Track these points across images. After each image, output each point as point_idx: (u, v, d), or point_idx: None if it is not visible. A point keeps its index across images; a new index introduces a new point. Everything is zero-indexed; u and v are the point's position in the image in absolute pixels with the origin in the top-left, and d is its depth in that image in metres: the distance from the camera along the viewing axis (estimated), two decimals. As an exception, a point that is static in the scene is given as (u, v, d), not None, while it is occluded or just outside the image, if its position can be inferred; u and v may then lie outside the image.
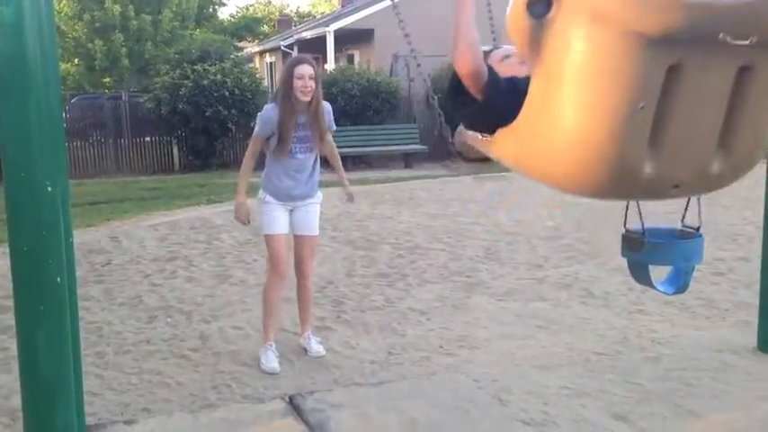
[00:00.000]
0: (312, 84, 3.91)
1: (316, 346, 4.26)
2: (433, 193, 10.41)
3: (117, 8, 22.50)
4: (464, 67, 2.06)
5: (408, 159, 14.31)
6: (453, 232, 7.56)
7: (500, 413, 3.39)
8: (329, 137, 4.19)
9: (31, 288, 1.99)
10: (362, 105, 14.40)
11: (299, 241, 4.20)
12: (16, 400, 3.59)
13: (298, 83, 3.89)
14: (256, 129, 4.06)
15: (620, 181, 1.88)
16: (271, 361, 4.05)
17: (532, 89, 1.86)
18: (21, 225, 1.99)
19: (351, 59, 20.78)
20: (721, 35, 1.69)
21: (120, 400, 3.65)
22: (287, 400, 3.56)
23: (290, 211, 4.13)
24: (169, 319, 4.91)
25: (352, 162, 13.75)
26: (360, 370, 4.03)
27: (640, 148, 1.81)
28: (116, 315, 5.01)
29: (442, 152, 15.53)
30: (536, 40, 1.79)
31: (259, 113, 4.14)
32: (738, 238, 6.77)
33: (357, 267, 6.23)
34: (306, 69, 3.91)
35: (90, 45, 22.77)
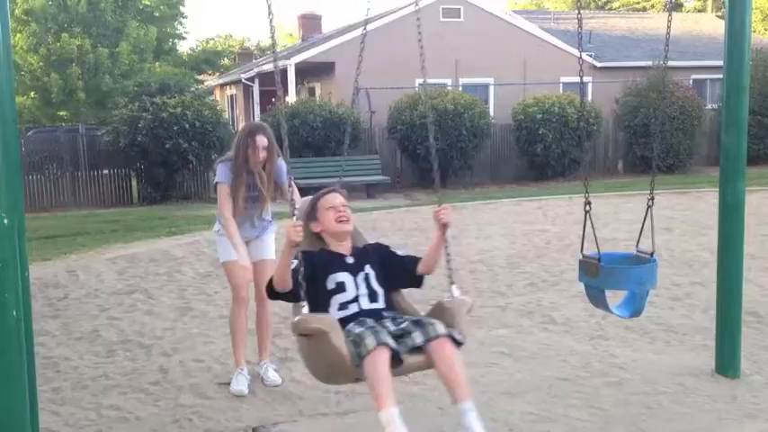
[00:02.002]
0: (265, 154, 4.06)
1: (272, 375, 4.23)
2: (395, 222, 10.44)
3: (74, 41, 22.32)
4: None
5: (371, 190, 14.37)
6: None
7: (466, 440, 3.38)
8: (288, 188, 3.38)
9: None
10: (324, 137, 14.46)
11: (256, 268, 4.21)
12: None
13: (252, 153, 4.03)
14: (219, 179, 4.12)
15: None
16: (240, 384, 4.07)
17: None
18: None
19: (312, 92, 20.89)
20: None
21: (77, 437, 3.55)
22: (250, 431, 3.50)
23: (247, 242, 4.16)
24: (128, 353, 4.80)
25: (314, 193, 13.75)
26: (324, 400, 3.99)
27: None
28: (73, 350, 4.88)
29: (403, 183, 15.69)
30: None
31: (215, 167, 4.22)
32: (694, 264, 6.93)
33: (320, 298, 6.19)
34: (261, 141, 4.05)
35: (46, 78, 22.48)
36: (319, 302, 2.88)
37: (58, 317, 5.67)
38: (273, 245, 4.35)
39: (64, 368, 4.52)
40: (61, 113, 24.60)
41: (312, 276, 2.88)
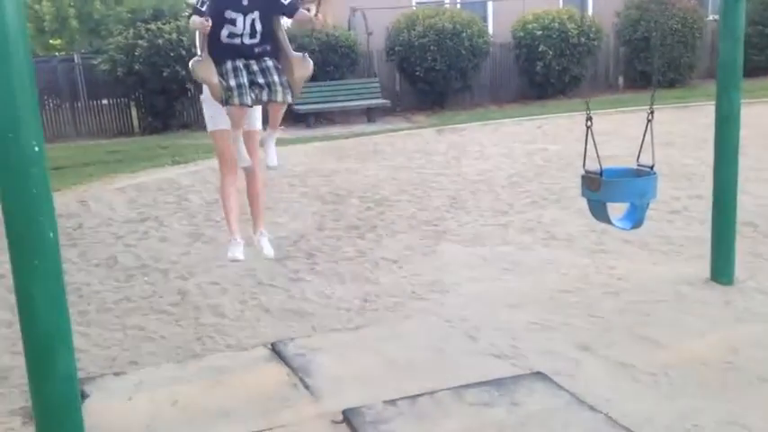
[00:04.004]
0: None
1: (266, 246, 4.11)
2: (396, 146, 10.51)
3: (62, -34, 21.74)
4: None
5: (371, 113, 14.33)
6: (419, 183, 7.71)
7: (472, 349, 3.61)
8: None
9: (26, 245, 2.08)
10: (322, 61, 14.31)
11: (244, 137, 4.12)
12: (5, 360, 3.70)
13: None
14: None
15: None
16: (234, 251, 3.98)
17: None
18: (12, 184, 2.07)
19: (307, 14, 20.50)
20: None
21: (106, 354, 3.77)
22: (269, 347, 3.72)
23: None
24: (146, 278, 5.00)
25: (315, 119, 13.74)
26: (337, 317, 4.19)
27: None
28: (94, 276, 5.08)
29: (403, 105, 15.62)
30: None
31: None
32: (692, 177, 7.06)
33: (327, 221, 6.36)
34: None
35: (37, 6, 22.00)
36: (215, 25, 3.76)
37: (75, 245, 5.84)
38: (260, 115, 4.25)
39: (86, 293, 4.72)
40: (55, 42, 24.19)
41: (215, 5, 3.74)
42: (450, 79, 14.98)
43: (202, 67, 3.80)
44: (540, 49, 15.64)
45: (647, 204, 3.63)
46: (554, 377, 3.22)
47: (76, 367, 2.29)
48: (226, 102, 3.79)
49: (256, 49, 3.94)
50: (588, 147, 3.42)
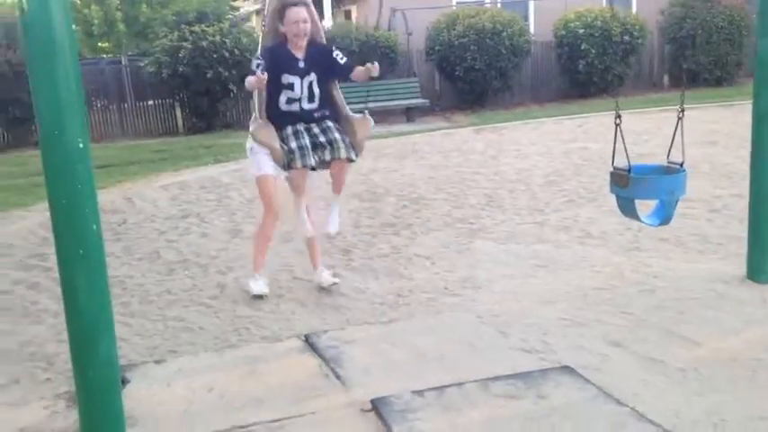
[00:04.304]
0: (306, 26, 4.13)
1: (327, 276, 4.58)
2: (434, 145, 10.56)
3: (109, -28, 22.36)
4: None
5: (410, 113, 14.39)
6: (456, 182, 7.75)
7: (502, 344, 3.64)
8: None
9: (71, 235, 2.20)
10: (362, 61, 14.38)
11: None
12: (51, 347, 3.86)
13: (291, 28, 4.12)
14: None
15: None
16: (258, 285, 4.40)
17: None
18: (58, 180, 2.19)
19: (348, 15, 20.67)
20: None
21: (147, 344, 3.91)
22: (303, 338, 3.81)
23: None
24: (187, 272, 5.15)
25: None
26: (370, 311, 4.26)
27: None
28: (136, 269, 5.25)
29: (442, 105, 15.64)
30: None
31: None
32: (733, 176, 6.94)
33: (363, 218, 6.45)
34: (298, 14, 4.08)
35: (86, 11, 22.69)
36: (273, 91, 3.91)
37: (119, 240, 6.05)
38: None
39: (130, 285, 4.89)
40: (103, 45, 24.90)
41: (271, 68, 3.85)
42: (489, 79, 14.95)
43: (263, 131, 3.88)
44: (582, 48, 15.50)
45: (677, 201, 3.62)
46: (582, 371, 3.23)
47: (117, 353, 2.40)
48: (288, 166, 3.85)
49: (316, 114, 4.03)
50: (623, 145, 3.43)
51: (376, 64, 4.06)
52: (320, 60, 4.12)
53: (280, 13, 4.08)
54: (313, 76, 4.03)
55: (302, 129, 3.96)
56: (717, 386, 3.09)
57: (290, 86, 3.96)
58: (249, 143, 4.34)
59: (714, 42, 16.19)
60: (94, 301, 2.24)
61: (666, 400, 2.97)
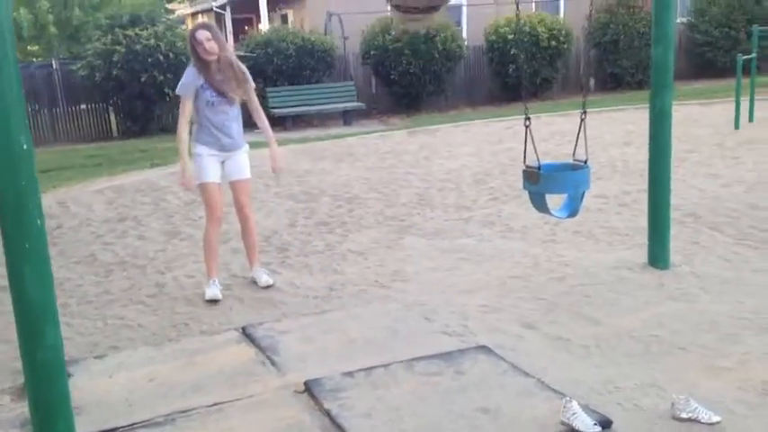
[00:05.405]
0: (213, 44, 4.44)
1: (265, 277, 4.82)
2: (370, 147, 10.85)
3: (40, -27, 21.83)
4: None
5: (347, 116, 14.67)
6: (389, 182, 8.05)
7: (426, 329, 3.94)
8: (252, 95, 4.69)
9: (17, 229, 2.38)
10: (298, 65, 14.63)
11: (235, 187, 4.67)
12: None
13: (199, 48, 4.44)
14: (178, 90, 4.56)
15: None
16: (213, 291, 4.61)
17: None
18: (4, 178, 2.36)
19: (285, 19, 20.80)
20: None
21: (88, 341, 4.05)
22: (240, 330, 4.02)
23: (222, 162, 4.57)
24: (125, 273, 5.28)
25: (292, 121, 14.04)
26: (304, 304, 4.50)
27: None
28: (74, 271, 5.35)
29: (379, 108, 15.97)
30: None
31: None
32: (644, 174, 7.35)
33: (299, 218, 6.67)
34: (202, 34, 4.45)
35: (15, 14, 22.09)
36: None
37: (55, 244, 6.10)
38: (248, 162, 4.74)
39: (68, 287, 4.99)
40: (33, 48, 24.27)
41: None
42: (424, 82, 15.37)
43: None
44: (511, 53, 16.08)
45: (583, 195, 3.99)
46: (498, 350, 3.55)
47: (62, 337, 2.59)
48: None
49: None
50: (533, 145, 3.77)
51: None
52: None
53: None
54: None
55: None
56: (614, 359, 3.45)
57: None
58: (194, 148, 4.59)
59: (636, 47, 17.03)
60: (40, 289, 2.42)
61: (569, 372, 3.31)
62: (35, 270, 2.41)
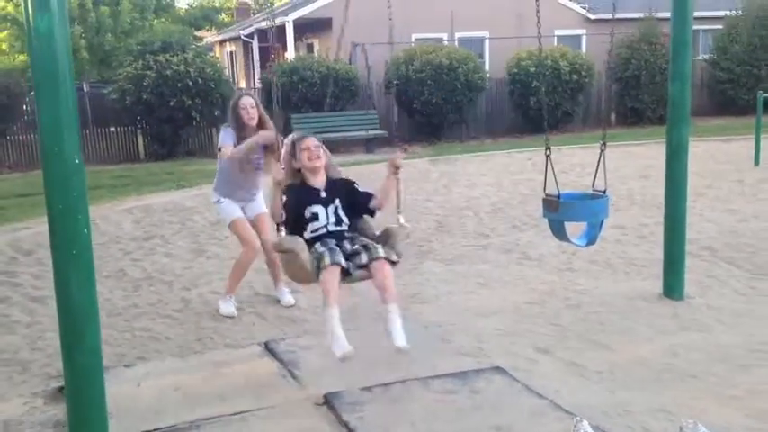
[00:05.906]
0: (255, 111, 4.70)
1: (288, 296, 5.03)
2: (391, 174, 10.99)
3: (75, 0, 22.57)
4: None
5: (369, 144, 14.88)
6: (409, 209, 8.17)
7: (443, 348, 4.06)
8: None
9: (66, 236, 2.56)
10: (322, 93, 14.92)
11: (257, 220, 4.95)
12: (25, 355, 4.14)
13: (242, 111, 4.68)
14: (222, 142, 4.73)
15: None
16: (229, 307, 4.82)
17: None
18: (57, 189, 2.55)
19: (310, 48, 21.23)
20: None
21: (116, 351, 4.21)
22: (263, 345, 4.16)
23: (242, 207, 4.93)
24: (152, 288, 5.46)
25: (314, 148, 14.25)
26: (325, 323, 4.62)
27: None
28: (104, 286, 5.52)
29: (400, 137, 16.18)
30: None
31: (220, 134, 4.82)
32: (662, 206, 7.49)
33: (321, 241, 6.82)
34: (246, 100, 4.71)
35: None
36: (297, 226, 3.74)
37: (86, 259, 6.30)
38: (263, 199, 4.99)
39: (98, 300, 5.16)
40: (64, 72, 24.99)
41: (295, 206, 3.72)
42: (446, 112, 15.58)
43: (290, 239, 3.56)
44: (533, 85, 16.28)
45: (601, 223, 4.10)
46: (512, 372, 3.66)
47: (101, 341, 2.75)
48: (317, 268, 3.45)
49: (346, 234, 3.78)
50: (553, 175, 3.91)
51: (399, 152, 4.14)
52: (342, 188, 3.95)
53: (292, 151, 3.98)
54: (337, 203, 3.83)
55: (332, 243, 3.62)
56: (627, 385, 3.54)
57: (315, 216, 3.77)
58: (215, 197, 4.90)
59: (657, 82, 17.16)
60: (84, 293, 2.60)
61: (582, 396, 3.40)
62: (80, 275, 2.58)
